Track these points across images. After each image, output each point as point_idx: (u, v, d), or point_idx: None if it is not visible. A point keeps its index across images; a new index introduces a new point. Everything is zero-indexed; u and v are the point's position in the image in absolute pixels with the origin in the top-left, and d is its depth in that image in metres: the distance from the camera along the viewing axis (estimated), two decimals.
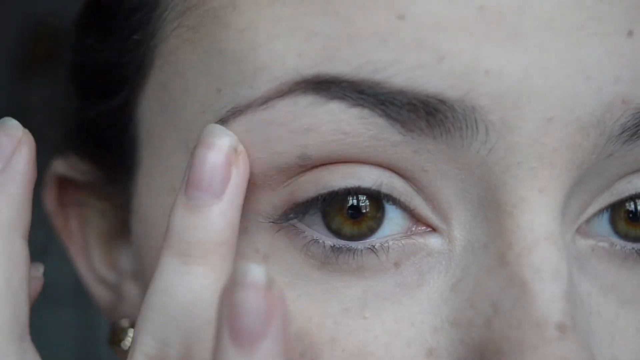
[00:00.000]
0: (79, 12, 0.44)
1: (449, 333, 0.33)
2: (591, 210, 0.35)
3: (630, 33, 0.32)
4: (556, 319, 0.31)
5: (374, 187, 0.33)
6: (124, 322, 0.45)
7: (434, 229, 0.34)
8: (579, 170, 0.33)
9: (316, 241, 0.34)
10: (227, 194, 0.33)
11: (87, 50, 0.42)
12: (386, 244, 0.34)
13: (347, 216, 0.34)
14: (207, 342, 0.32)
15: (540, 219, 0.32)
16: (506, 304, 0.32)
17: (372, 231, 0.34)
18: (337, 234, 0.34)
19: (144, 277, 0.41)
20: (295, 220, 0.34)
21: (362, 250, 0.34)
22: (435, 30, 0.31)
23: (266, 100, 0.33)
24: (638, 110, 0.33)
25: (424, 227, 0.34)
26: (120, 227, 0.46)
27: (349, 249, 0.33)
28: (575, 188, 0.33)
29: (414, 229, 0.34)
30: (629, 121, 0.33)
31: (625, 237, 0.35)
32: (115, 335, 0.45)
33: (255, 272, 0.28)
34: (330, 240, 0.34)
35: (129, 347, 0.43)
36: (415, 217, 0.34)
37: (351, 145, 0.32)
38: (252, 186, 0.34)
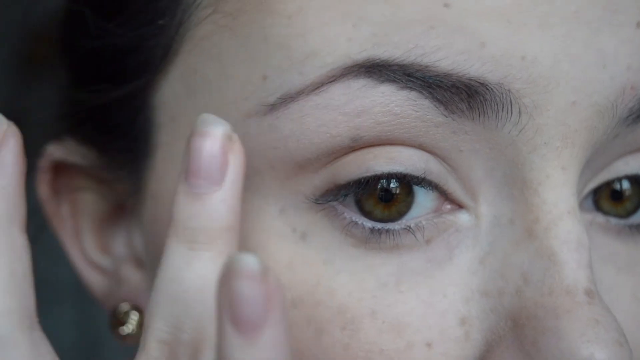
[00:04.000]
0: None
1: (480, 302, 0.35)
2: (591, 185, 0.38)
3: (638, 24, 0.35)
4: (584, 285, 0.34)
5: (414, 173, 0.35)
6: (124, 306, 0.45)
7: (461, 206, 0.36)
8: (592, 149, 0.35)
9: (355, 223, 0.35)
10: (226, 181, 0.34)
11: (104, 35, 0.41)
12: (420, 224, 0.35)
13: (379, 199, 0.35)
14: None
15: (563, 195, 0.35)
16: (536, 274, 0.34)
17: (401, 214, 0.35)
18: (369, 215, 0.35)
19: (159, 261, 0.40)
20: (334, 202, 0.35)
21: (399, 230, 0.35)
22: (477, 18, 0.33)
23: (318, 85, 0.34)
24: None
25: (451, 205, 0.36)
26: (115, 212, 0.46)
27: (387, 230, 0.35)
28: (585, 167, 0.36)
29: (442, 207, 0.36)
30: (634, 105, 0.35)
31: (607, 213, 0.38)
32: (116, 320, 0.45)
33: (249, 261, 0.28)
34: (369, 223, 0.35)
35: (136, 332, 0.44)
36: (445, 196, 0.36)
37: (399, 125, 0.34)
38: (296, 168, 0.35)
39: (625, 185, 0.38)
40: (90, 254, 0.47)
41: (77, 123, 0.45)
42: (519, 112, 0.34)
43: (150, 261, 0.42)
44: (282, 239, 0.36)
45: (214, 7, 0.37)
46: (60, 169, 0.47)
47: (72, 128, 0.46)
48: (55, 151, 0.46)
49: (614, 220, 0.38)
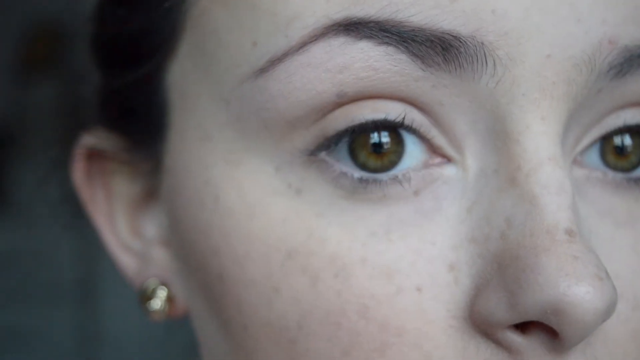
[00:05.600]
0: None
1: (468, 249, 0.36)
2: (585, 142, 0.39)
3: None
4: (564, 225, 0.34)
5: (397, 119, 0.36)
6: (153, 282, 0.47)
7: (449, 159, 0.37)
8: (573, 102, 0.36)
9: (344, 174, 0.37)
10: None
11: (117, 21, 0.44)
12: (408, 175, 0.37)
13: (371, 151, 0.37)
14: None
15: (543, 143, 0.36)
16: (519, 218, 0.35)
17: (393, 164, 0.37)
18: (363, 167, 0.37)
19: (177, 232, 0.43)
20: (324, 154, 0.37)
21: (386, 180, 0.37)
22: None
23: (301, 45, 0.36)
24: (623, 50, 0.36)
25: (440, 159, 0.37)
26: (145, 195, 0.48)
27: (375, 180, 0.37)
28: (571, 121, 0.37)
29: (431, 161, 0.37)
30: (615, 59, 0.36)
31: (614, 168, 0.39)
32: (145, 295, 0.47)
33: None
34: (357, 173, 0.37)
35: (164, 307, 0.46)
36: (432, 148, 0.37)
37: (380, 80, 0.36)
38: (288, 126, 0.37)
39: (627, 140, 0.39)
40: (122, 236, 0.49)
41: (103, 110, 0.49)
42: (494, 63, 0.35)
43: (173, 237, 0.44)
44: (278, 195, 0.38)
45: None
46: (93, 155, 0.49)
47: (100, 116, 0.49)
48: (88, 140, 0.49)
49: (611, 174, 0.39)
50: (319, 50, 0.36)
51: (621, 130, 0.39)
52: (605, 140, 0.39)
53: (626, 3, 0.36)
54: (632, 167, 0.39)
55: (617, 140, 0.39)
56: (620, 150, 0.39)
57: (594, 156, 0.39)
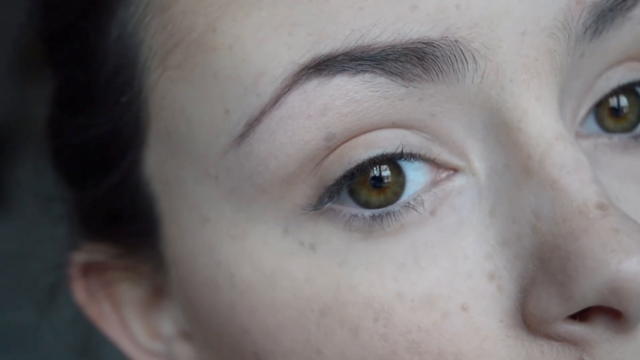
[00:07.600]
0: (56, 96, 0.45)
1: (502, 253, 0.35)
2: (581, 112, 0.38)
3: None
4: (594, 200, 0.33)
5: (396, 151, 0.35)
6: None
7: (455, 170, 0.36)
8: (561, 73, 0.35)
9: (355, 216, 0.35)
10: None
11: (77, 131, 0.42)
12: (419, 198, 0.36)
13: (371, 187, 0.35)
14: None
15: (546, 124, 0.34)
16: (545, 207, 0.34)
17: (397, 196, 0.36)
18: (367, 205, 0.35)
19: (198, 321, 0.41)
20: (330, 203, 0.36)
21: (399, 210, 0.35)
22: None
23: (276, 100, 0.35)
24: (592, 7, 0.35)
25: (446, 172, 0.36)
26: (153, 294, 0.46)
27: (388, 213, 0.35)
28: (564, 94, 0.36)
29: (437, 177, 0.36)
30: (588, 19, 0.35)
31: (614, 131, 0.38)
32: None
33: None
34: (367, 212, 0.35)
35: None
36: (436, 165, 0.36)
37: (365, 111, 0.34)
38: (285, 185, 0.36)
39: (623, 101, 0.38)
40: (142, 342, 0.47)
41: (85, 224, 0.47)
42: (473, 57, 0.34)
43: (195, 328, 0.43)
44: (293, 256, 0.36)
45: (162, 66, 0.38)
46: (88, 271, 0.48)
47: (83, 231, 0.48)
48: (78, 257, 0.47)
49: (616, 137, 0.38)
50: (295, 99, 0.34)
51: (615, 92, 0.38)
52: (598, 106, 0.38)
53: None
54: (632, 127, 0.38)
55: (612, 101, 0.38)
56: (617, 112, 0.38)
57: (592, 125, 0.38)
